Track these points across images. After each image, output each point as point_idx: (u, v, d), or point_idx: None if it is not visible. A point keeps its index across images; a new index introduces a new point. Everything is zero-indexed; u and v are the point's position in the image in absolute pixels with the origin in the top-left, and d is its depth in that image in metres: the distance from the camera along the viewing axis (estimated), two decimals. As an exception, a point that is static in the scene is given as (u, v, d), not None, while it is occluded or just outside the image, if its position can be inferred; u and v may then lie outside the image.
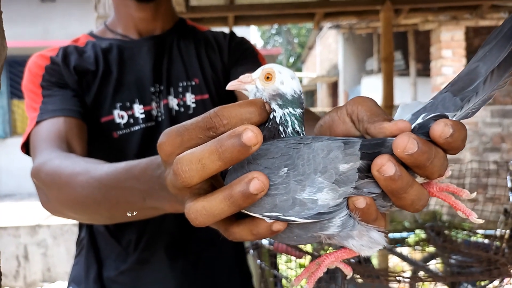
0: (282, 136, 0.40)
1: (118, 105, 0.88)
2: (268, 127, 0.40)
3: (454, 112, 0.38)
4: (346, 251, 0.40)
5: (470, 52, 6.49)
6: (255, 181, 0.34)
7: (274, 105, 0.41)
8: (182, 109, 0.92)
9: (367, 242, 0.38)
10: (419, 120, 0.38)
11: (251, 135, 0.33)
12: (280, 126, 0.40)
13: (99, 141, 0.88)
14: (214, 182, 0.40)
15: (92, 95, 0.88)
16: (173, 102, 0.92)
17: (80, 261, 0.94)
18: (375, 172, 0.35)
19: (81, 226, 0.97)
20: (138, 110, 0.89)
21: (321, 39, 13.08)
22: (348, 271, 0.42)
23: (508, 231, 2.26)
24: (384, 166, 0.34)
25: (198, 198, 0.37)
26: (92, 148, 0.87)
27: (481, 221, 0.38)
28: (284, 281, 1.70)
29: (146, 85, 0.91)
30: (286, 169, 0.36)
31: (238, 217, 0.38)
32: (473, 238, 1.95)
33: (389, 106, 3.21)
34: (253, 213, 0.37)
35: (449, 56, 6.20)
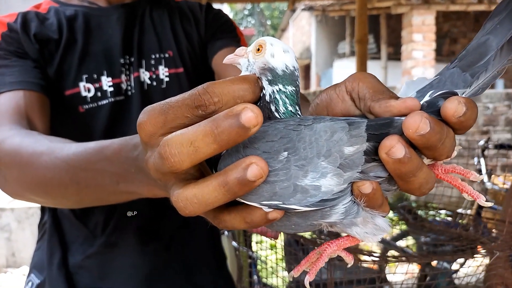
0: (276, 116, 0.36)
1: (84, 77, 0.82)
2: (260, 106, 0.36)
3: (463, 89, 0.36)
4: (349, 239, 0.38)
5: (440, 37, 6.62)
6: (253, 167, 0.31)
7: (264, 81, 0.37)
8: (154, 83, 0.87)
9: (372, 229, 0.36)
10: (427, 98, 0.36)
11: (250, 115, 0.30)
12: (270, 105, 0.37)
13: (64, 116, 0.81)
14: (201, 167, 0.36)
15: (55, 65, 0.81)
16: (145, 75, 0.86)
17: (43, 246, 0.88)
18: (383, 154, 0.32)
19: (43, 208, 0.91)
20: (106, 82, 0.83)
21: (294, 21, 13.00)
22: (350, 260, 0.39)
23: (474, 210, 2.35)
24: (394, 148, 0.32)
25: (187, 185, 0.33)
26: (56, 124, 0.81)
27: (489, 204, 0.36)
28: (259, 262, 1.69)
29: (115, 56, 0.84)
30: (286, 153, 0.33)
31: (229, 203, 0.34)
32: (438, 218, 2.01)
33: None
34: (250, 201, 0.33)
35: (420, 40, 6.31)
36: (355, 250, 0.89)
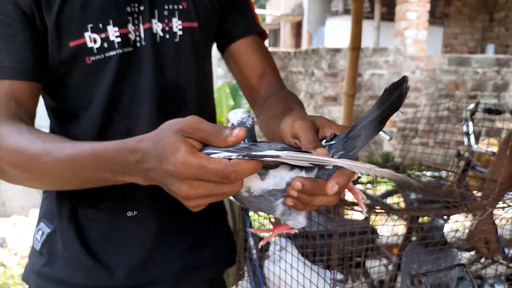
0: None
1: (89, 26, 0.78)
2: None
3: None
4: (286, 226, 0.62)
5: (435, -2, 6.51)
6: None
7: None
8: (167, 36, 0.83)
9: (297, 223, 0.59)
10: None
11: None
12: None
13: (71, 67, 0.78)
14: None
15: (54, 14, 0.75)
16: (158, 26, 0.82)
17: (51, 196, 0.88)
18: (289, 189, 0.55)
19: None
20: (113, 33, 0.79)
21: (287, -25, 12.56)
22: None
23: (460, 170, 2.43)
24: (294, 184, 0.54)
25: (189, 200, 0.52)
26: (64, 75, 0.79)
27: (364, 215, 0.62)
28: (251, 213, 1.75)
29: (121, 3, 0.79)
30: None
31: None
32: (423, 178, 2.08)
33: (356, 48, 3.20)
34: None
35: (415, 1, 6.20)
36: (347, 203, 0.92)
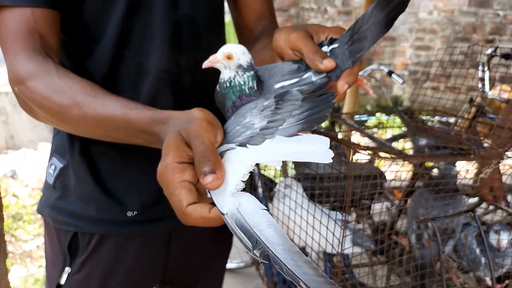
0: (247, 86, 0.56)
1: None
2: (241, 84, 0.57)
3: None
4: None
5: None
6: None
7: (239, 71, 0.56)
8: None
9: None
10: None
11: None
12: (246, 83, 0.56)
13: None
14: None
15: None
16: None
17: (62, 131, 0.87)
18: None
19: None
20: None
21: None
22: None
23: (471, 116, 2.39)
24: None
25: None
26: (77, 8, 0.75)
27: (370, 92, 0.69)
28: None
29: None
30: (234, 117, 0.54)
31: None
32: (430, 123, 2.05)
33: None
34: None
35: None
36: (353, 145, 0.90)
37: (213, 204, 0.44)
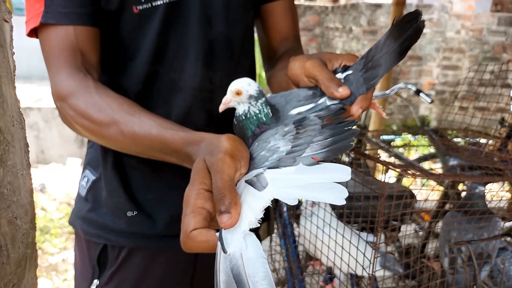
0: (263, 113, 0.59)
1: None
2: (257, 113, 0.59)
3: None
4: None
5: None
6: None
7: (252, 101, 0.58)
8: None
9: None
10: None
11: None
12: (261, 111, 0.58)
13: (118, 16, 0.77)
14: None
15: None
16: None
17: (96, 144, 0.90)
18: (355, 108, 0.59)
19: None
20: None
21: None
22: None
23: (500, 138, 2.32)
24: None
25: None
26: (111, 24, 0.78)
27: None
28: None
29: None
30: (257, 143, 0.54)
31: None
32: (461, 144, 2.00)
33: (401, 3, 3.03)
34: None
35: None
36: (385, 163, 0.88)
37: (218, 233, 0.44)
